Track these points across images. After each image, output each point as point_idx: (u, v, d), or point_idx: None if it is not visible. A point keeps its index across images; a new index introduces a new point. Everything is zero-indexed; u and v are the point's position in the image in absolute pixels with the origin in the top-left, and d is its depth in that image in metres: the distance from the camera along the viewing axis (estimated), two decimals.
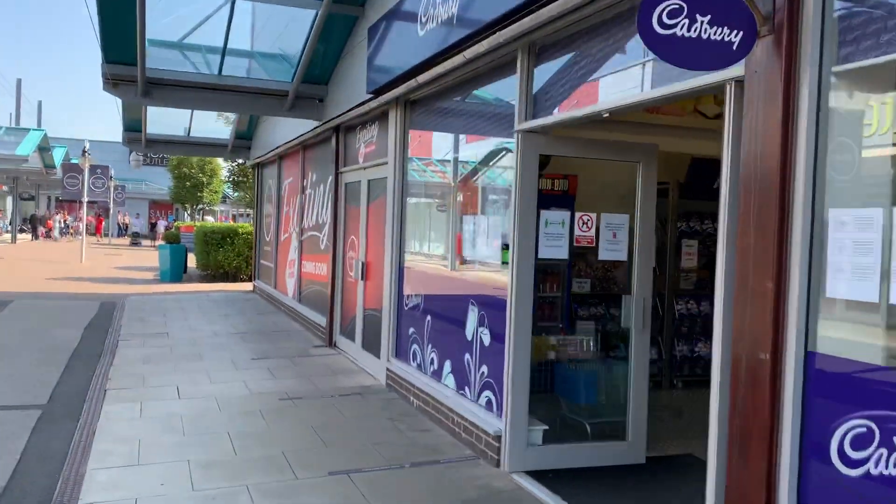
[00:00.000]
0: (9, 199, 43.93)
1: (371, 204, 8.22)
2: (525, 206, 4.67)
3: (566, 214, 4.77)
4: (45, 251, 29.39)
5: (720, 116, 5.33)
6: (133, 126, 14.45)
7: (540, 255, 4.72)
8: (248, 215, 61.04)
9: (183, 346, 9.23)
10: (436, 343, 6.21)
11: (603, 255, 4.85)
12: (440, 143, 6.63)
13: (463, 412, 5.39)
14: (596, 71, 4.17)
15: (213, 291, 16.07)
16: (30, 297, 14.09)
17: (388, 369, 7.20)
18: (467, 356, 5.53)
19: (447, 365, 5.95)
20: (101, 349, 9.11)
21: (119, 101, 13.25)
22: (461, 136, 6.19)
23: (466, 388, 5.54)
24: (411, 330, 6.80)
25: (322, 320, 10.00)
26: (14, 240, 34.85)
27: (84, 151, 23.89)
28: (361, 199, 8.50)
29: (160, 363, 8.16)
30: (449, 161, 6.39)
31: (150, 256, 28.32)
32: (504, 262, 5.02)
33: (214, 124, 17.88)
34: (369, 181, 8.29)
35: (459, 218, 6.01)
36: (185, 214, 46.38)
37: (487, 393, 5.18)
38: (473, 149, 6.01)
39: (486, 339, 5.23)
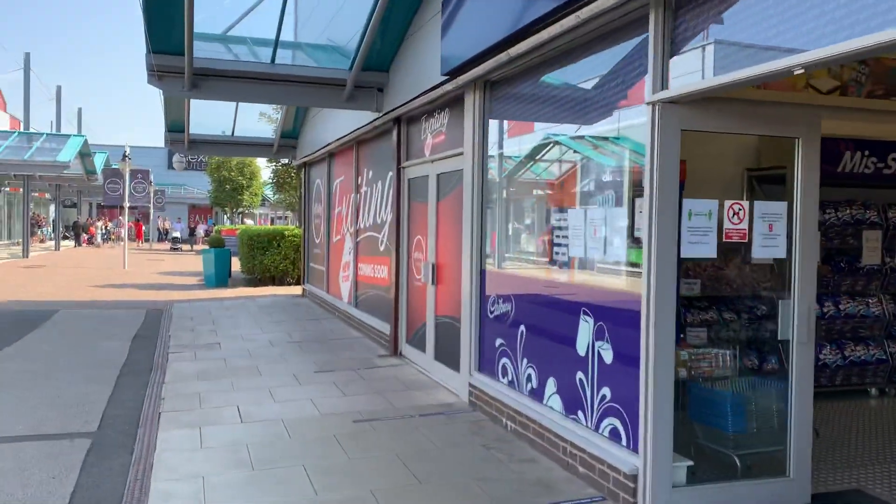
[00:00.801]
0: (51, 207, 44.25)
1: (441, 200, 7.43)
2: (665, 194, 3.82)
3: (713, 204, 3.91)
4: (88, 258, 29.28)
5: (834, 91, 4.45)
6: (176, 127, 13.90)
7: (683, 254, 3.87)
8: (285, 217, 60.83)
9: (238, 359, 8.56)
10: (534, 358, 5.39)
11: (758, 252, 3.98)
12: (529, 127, 5.80)
13: (578, 441, 4.57)
14: (765, 18, 3.29)
15: (261, 296, 15.48)
16: (75, 305, 13.63)
17: (470, 385, 6.41)
18: (580, 375, 4.70)
19: (550, 384, 5.13)
20: (150, 363, 8.48)
21: (162, 100, 12.74)
22: (558, 117, 5.36)
23: (580, 413, 4.71)
24: (499, 341, 5.99)
25: (384, 327, 9.25)
26: (58, 247, 34.91)
27: (125, 156, 23.58)
28: (429, 196, 7.72)
29: (216, 379, 7.48)
30: (544, 147, 5.56)
31: (192, 261, 28.01)
32: (632, 263, 4.18)
33: (256, 124, 17.34)
34: (438, 175, 7.50)
35: (558, 213, 5.19)
36: (225, 218, 46.23)
37: (611, 420, 4.34)
38: (573, 130, 5.17)
39: (607, 356, 4.40)
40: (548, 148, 5.49)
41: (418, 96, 7.35)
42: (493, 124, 6.31)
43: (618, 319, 4.31)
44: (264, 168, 33.61)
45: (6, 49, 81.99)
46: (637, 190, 4.15)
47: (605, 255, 4.54)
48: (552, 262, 5.24)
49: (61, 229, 41.87)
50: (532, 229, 5.66)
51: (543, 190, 5.56)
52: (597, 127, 4.79)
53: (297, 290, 16.84)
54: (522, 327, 5.57)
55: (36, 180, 28.77)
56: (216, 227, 37.29)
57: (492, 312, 6.16)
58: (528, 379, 5.46)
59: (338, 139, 11.45)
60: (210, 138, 14.58)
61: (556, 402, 5.05)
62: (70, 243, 40.73)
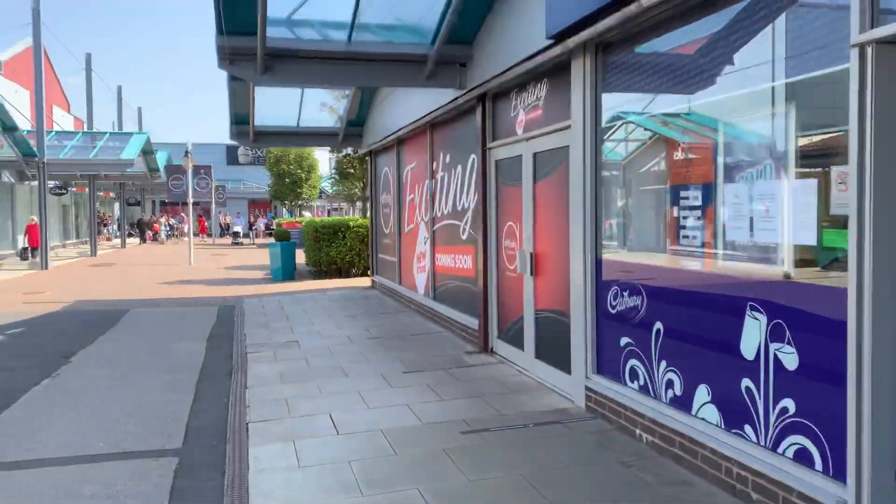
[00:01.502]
0: (116, 205, 45.10)
1: (540, 182, 6.70)
2: (884, 159, 3.03)
3: None
4: (154, 254, 29.52)
5: None
6: (241, 119, 13.48)
7: None
8: (339, 209, 60.88)
9: (319, 358, 8.03)
10: (676, 360, 4.64)
11: None
12: (655, 91, 5.02)
13: (748, 461, 3.82)
14: None
15: (330, 289, 15.03)
16: (146, 304, 13.40)
17: (587, 389, 5.69)
18: (746, 383, 3.93)
19: (701, 391, 4.38)
20: (229, 365, 8.02)
21: (228, 90, 12.33)
22: (693, 78, 4.57)
23: (748, 428, 3.95)
24: (625, 340, 5.25)
25: (469, 321, 8.60)
26: (123, 244, 35.43)
27: (187, 152, 23.51)
28: (524, 177, 7.00)
29: (300, 382, 6.94)
30: (678, 115, 4.78)
31: (254, 255, 27.94)
32: (828, 248, 3.39)
33: (319, 114, 16.81)
34: (535, 155, 6.77)
35: (703, 190, 4.41)
36: (284, 211, 46.38)
37: (797, 439, 3.58)
38: (717, 94, 4.38)
39: (789, 361, 3.63)
40: (680, 114, 4.70)
41: (512, 67, 6.62)
42: (606, 92, 5.55)
43: (806, 318, 3.53)
44: (325, 159, 33.38)
45: (69, 52, 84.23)
46: (831, 155, 3.36)
47: (782, 238, 3.75)
48: (701, 247, 4.47)
49: (126, 227, 42.62)
50: (665, 210, 4.89)
51: (681, 164, 4.78)
52: (744, 85, 3.99)
53: (364, 281, 16.36)
54: (659, 325, 4.81)
55: (101, 179, 29.08)
56: (277, 221, 37.31)
57: (613, 307, 5.41)
58: (669, 385, 4.71)
59: (409, 124, 10.81)
60: (275, 129, 14.13)
61: (710, 412, 4.30)
62: (135, 240, 41.41)
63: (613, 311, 5.42)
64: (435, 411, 5.84)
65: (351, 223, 17.74)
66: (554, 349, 6.46)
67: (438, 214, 10.07)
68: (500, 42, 7.05)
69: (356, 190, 39.93)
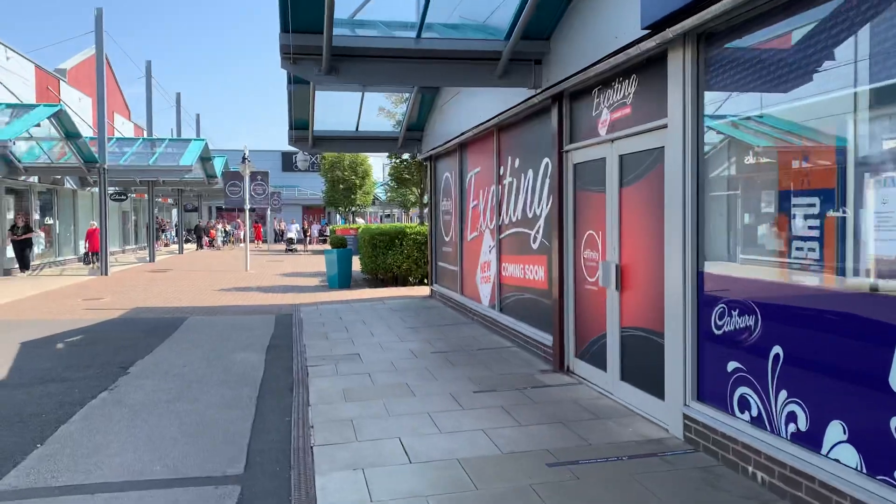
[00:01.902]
0: (174, 211, 45.89)
1: (627, 186, 6.15)
2: None
3: None
4: (211, 260, 29.75)
5: None
6: (300, 124, 13.25)
7: None
8: (391, 215, 60.80)
9: (383, 374, 7.60)
10: (800, 390, 4.05)
11: None
12: (768, 88, 4.43)
13: None
14: None
15: (388, 298, 14.66)
16: (203, 311, 13.24)
17: (686, 417, 5.11)
18: None
19: (834, 428, 3.78)
20: (290, 379, 7.66)
21: (288, 95, 12.09)
22: (818, 71, 3.98)
23: None
24: (734, 365, 4.66)
25: (541, 336, 8.07)
26: (181, 250, 35.89)
27: (244, 158, 23.55)
28: (608, 182, 6.45)
29: (365, 400, 6.52)
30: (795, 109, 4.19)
31: (309, 262, 27.88)
32: None
33: (376, 119, 16.53)
34: (621, 157, 6.23)
35: (832, 195, 3.81)
36: (338, 217, 46.46)
37: None
38: (846, 89, 3.78)
39: None
40: (807, 110, 4.11)
41: (597, 62, 6.09)
42: (710, 86, 4.98)
43: None
44: (379, 165, 33.21)
45: (130, 60, 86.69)
46: None
47: None
48: (834, 261, 3.87)
49: (184, 233, 43.26)
50: (782, 218, 4.30)
51: (803, 167, 4.19)
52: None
53: (423, 290, 15.95)
54: (777, 349, 4.22)
55: (160, 185, 29.45)
56: (331, 227, 37.30)
57: (719, 327, 4.83)
58: (790, 418, 4.11)
59: (473, 127, 10.36)
60: (334, 134, 13.86)
61: (846, 454, 3.69)
62: (192, 246, 42.00)
63: (719, 332, 4.84)
64: (514, 438, 5.34)
65: (408, 230, 17.37)
66: (643, 371, 5.89)
67: (506, 222, 9.57)
68: (582, 36, 6.53)
69: (411, 196, 39.69)
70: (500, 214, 9.82)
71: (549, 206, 7.98)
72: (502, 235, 9.74)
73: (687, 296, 5.11)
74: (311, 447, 5.26)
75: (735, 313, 4.65)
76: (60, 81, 25.63)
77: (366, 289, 16.96)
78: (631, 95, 6.06)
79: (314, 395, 6.81)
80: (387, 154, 18.77)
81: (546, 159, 8.04)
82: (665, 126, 5.38)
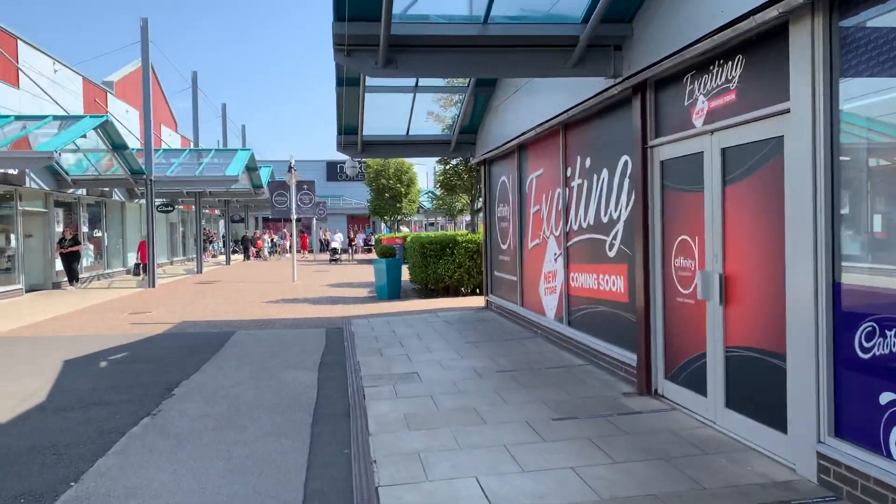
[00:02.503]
0: (221, 223, 46.08)
1: (732, 185, 5.33)
2: None
3: None
4: (257, 271, 29.52)
5: None
6: (349, 129, 12.69)
7: None
8: (433, 224, 60.26)
9: (447, 396, 6.89)
10: None
11: None
12: None
13: None
14: None
15: (441, 309, 13.97)
16: (251, 325, 12.73)
17: (821, 455, 4.27)
18: None
19: None
20: (346, 402, 7.00)
21: (337, 99, 11.53)
22: None
23: None
24: (889, 397, 3.82)
25: (620, 354, 7.27)
26: (228, 261, 35.85)
27: (290, 167, 23.19)
28: (707, 179, 5.64)
29: (431, 428, 5.81)
30: None
31: (355, 272, 27.41)
32: None
33: (425, 124, 15.90)
34: (724, 150, 5.41)
35: None
36: (382, 226, 46.12)
37: None
38: None
39: None
40: None
41: (696, 42, 5.31)
42: (847, 61, 4.16)
43: None
44: (423, 173, 32.61)
45: (177, 70, 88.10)
46: None
47: None
48: None
49: (231, 244, 43.36)
50: None
51: None
52: None
53: (477, 301, 15.22)
54: None
55: (206, 196, 29.35)
56: (376, 237, 36.88)
57: (866, 350, 3.99)
58: None
59: (535, 127, 9.63)
60: (384, 139, 13.27)
61: None
62: (239, 257, 42.04)
63: (866, 356, 4.00)
64: (611, 479, 4.56)
65: (459, 238, 16.68)
66: (755, 398, 5.06)
67: (575, 228, 8.79)
68: (674, 14, 5.74)
69: (458, 203, 39.06)
70: (567, 220, 9.04)
71: (628, 210, 7.19)
72: (570, 243, 8.96)
73: (820, 312, 4.28)
74: (376, 488, 4.57)
75: (891, 334, 3.81)
76: (108, 94, 25.69)
77: (416, 300, 16.31)
78: (735, 79, 5.25)
79: (374, 421, 6.13)
80: (436, 160, 18.11)
81: (625, 157, 7.25)
82: (785, 112, 4.57)
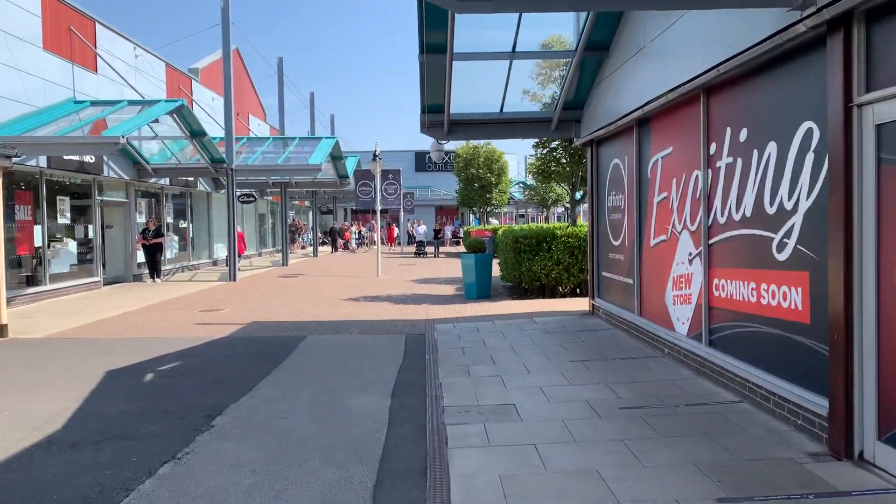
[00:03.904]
0: (309, 214, 45.68)
1: None
2: None
3: None
4: (343, 264, 28.49)
5: None
6: (433, 107, 11.04)
7: None
8: (523, 216, 58.04)
9: (556, 448, 5.11)
10: None
11: None
12: None
13: None
14: None
15: (537, 314, 12.15)
16: (325, 328, 11.31)
17: None
18: None
19: None
20: (422, 450, 5.33)
21: (420, 70, 9.90)
22: None
23: None
24: None
25: (798, 395, 5.28)
26: (315, 253, 35.15)
27: (375, 156, 21.80)
28: None
29: (538, 501, 4.06)
30: None
31: (442, 266, 25.90)
32: None
33: (520, 103, 14.05)
34: None
35: None
36: (471, 218, 44.49)
37: None
38: None
39: None
40: None
41: None
42: None
43: None
44: (514, 163, 30.75)
45: (263, 60, 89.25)
46: None
47: None
48: None
49: (319, 235, 42.82)
50: None
51: None
52: None
53: (579, 304, 13.31)
54: None
55: (292, 187, 28.52)
56: (465, 229, 35.30)
57: None
58: None
59: (663, 94, 7.68)
60: (474, 118, 11.53)
61: None
62: (327, 249, 41.45)
63: None
64: None
65: (558, 231, 14.77)
66: None
67: (721, 221, 6.79)
68: None
69: (553, 193, 36.86)
70: (709, 211, 7.05)
71: (812, 197, 5.17)
72: (714, 240, 6.96)
73: None
74: None
75: None
76: (193, 81, 25.10)
77: (508, 300, 14.54)
78: None
79: (458, 488, 4.42)
80: (532, 144, 16.24)
81: (807, 124, 5.23)
82: None
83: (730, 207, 6.58)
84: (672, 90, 7.49)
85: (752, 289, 6.16)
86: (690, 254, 7.57)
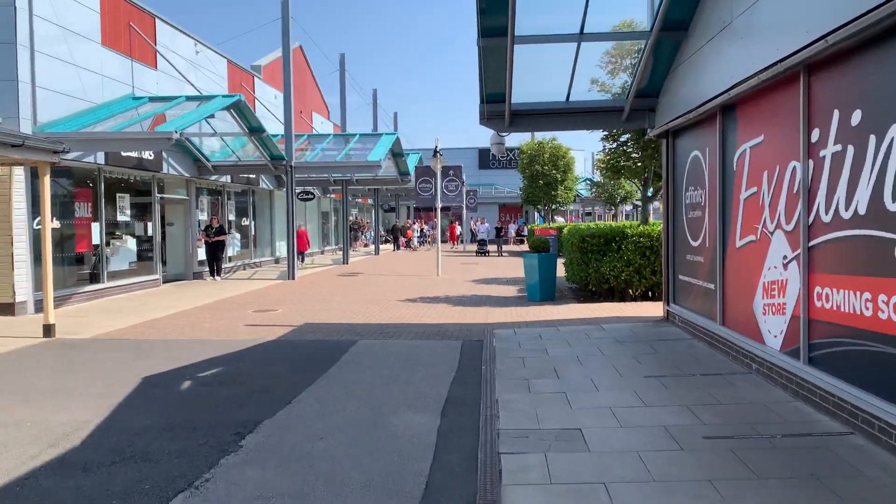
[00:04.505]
0: (372, 212, 45.52)
1: None
2: None
3: None
4: (403, 263, 27.99)
5: None
6: (493, 96, 10.27)
7: None
8: (589, 214, 56.44)
9: (628, 489, 4.28)
10: None
11: None
12: None
13: None
14: None
15: (605, 319, 11.24)
16: (377, 332, 10.70)
17: None
18: None
19: None
20: (471, 485, 4.58)
21: (479, 55, 9.17)
22: None
23: None
24: None
25: None
26: (377, 251, 34.83)
27: (435, 151, 21.15)
28: None
29: None
30: None
31: (505, 266, 25.07)
32: None
33: (587, 94, 13.13)
34: None
35: None
36: (536, 216, 43.43)
37: None
38: None
39: None
40: None
41: None
42: None
43: None
44: (580, 160, 29.65)
45: (325, 56, 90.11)
46: None
47: None
48: None
49: (382, 233, 42.55)
50: None
51: None
52: None
53: (651, 309, 12.33)
54: None
55: (353, 184, 28.18)
56: (529, 227, 34.34)
57: None
58: None
59: (754, 74, 6.72)
60: (537, 108, 10.71)
61: None
62: (389, 247, 41.13)
63: None
64: None
65: (628, 230, 13.78)
66: None
67: (825, 219, 5.80)
68: None
69: (621, 189, 35.52)
70: (810, 207, 6.06)
71: None
72: (817, 241, 5.97)
73: None
74: None
75: None
76: (255, 78, 24.99)
77: (574, 303, 13.65)
78: None
79: None
80: (601, 136, 15.26)
81: None
82: None
83: (837, 204, 5.60)
84: (765, 69, 6.52)
85: (867, 300, 5.17)
86: (785, 257, 6.57)
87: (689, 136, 9.71)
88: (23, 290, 12.65)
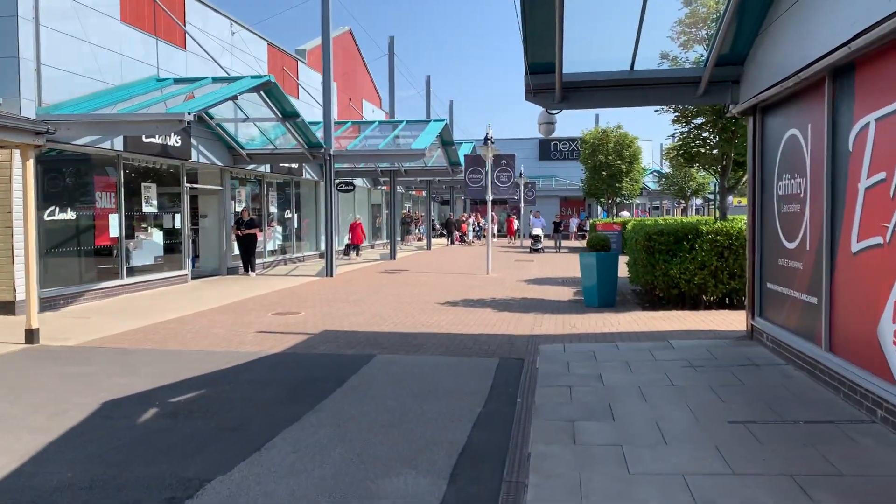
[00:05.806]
0: (424, 204, 44.13)
1: None
2: None
3: None
4: (454, 258, 26.45)
5: None
6: (540, 66, 8.56)
7: None
8: (657, 208, 53.62)
9: None
10: None
11: None
12: None
13: None
14: None
15: (675, 334, 9.42)
16: (402, 344, 9.16)
17: None
18: None
19: None
20: None
21: (522, 12, 7.48)
22: None
23: None
24: None
25: None
26: (428, 245, 33.43)
27: (486, 138, 19.48)
28: None
29: None
30: None
31: (562, 264, 23.23)
32: None
33: (656, 68, 11.25)
34: None
35: None
36: (599, 210, 41.26)
37: None
38: None
39: None
40: None
41: None
42: None
43: None
44: (648, 149, 27.53)
45: (374, 42, 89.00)
46: None
47: None
48: None
49: (436, 226, 41.16)
50: None
51: None
52: None
53: (730, 319, 10.45)
54: None
55: (402, 175, 26.78)
56: (591, 221, 32.31)
57: None
58: None
59: (882, 21, 4.85)
60: (594, 79, 8.94)
61: None
62: (443, 241, 39.68)
63: None
64: None
65: (703, 227, 11.85)
66: None
67: None
68: None
69: (693, 182, 33.01)
70: None
71: None
72: None
73: None
74: None
75: None
76: (299, 62, 23.79)
77: (637, 311, 11.83)
78: None
79: None
80: (671, 118, 13.32)
81: None
82: None
83: None
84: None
85: None
86: None
87: (785, 111, 7.79)
88: (23, 287, 11.60)
